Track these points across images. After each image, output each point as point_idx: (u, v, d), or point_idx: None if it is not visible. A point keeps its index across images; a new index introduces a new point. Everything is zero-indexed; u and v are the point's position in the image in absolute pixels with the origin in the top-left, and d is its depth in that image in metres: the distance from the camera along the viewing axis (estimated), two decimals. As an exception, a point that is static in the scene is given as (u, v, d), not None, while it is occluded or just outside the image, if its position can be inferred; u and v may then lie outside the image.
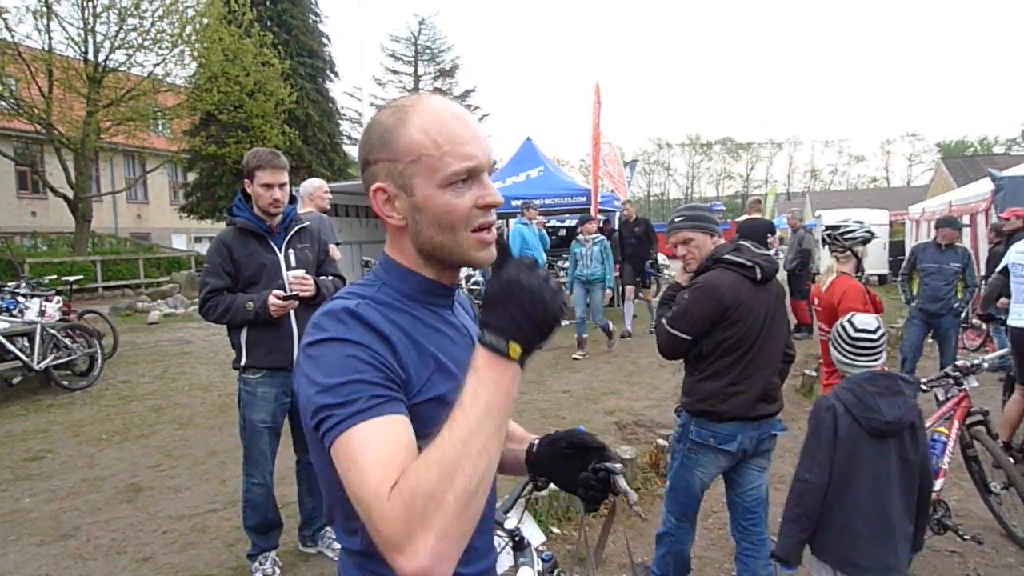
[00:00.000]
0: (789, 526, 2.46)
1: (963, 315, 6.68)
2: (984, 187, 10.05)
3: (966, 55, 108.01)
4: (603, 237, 8.76)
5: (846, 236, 3.80)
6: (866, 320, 2.54)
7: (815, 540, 2.46)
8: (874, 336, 2.49)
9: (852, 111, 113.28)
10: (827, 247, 4.01)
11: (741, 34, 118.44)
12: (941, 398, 3.83)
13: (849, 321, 2.55)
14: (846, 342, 2.53)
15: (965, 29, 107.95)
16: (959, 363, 3.73)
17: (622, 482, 1.21)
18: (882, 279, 17.69)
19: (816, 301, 3.93)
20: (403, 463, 0.87)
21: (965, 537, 3.56)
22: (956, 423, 3.67)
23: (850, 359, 2.51)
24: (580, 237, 8.70)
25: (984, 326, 8.43)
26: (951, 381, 3.70)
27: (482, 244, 1.05)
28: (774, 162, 78.09)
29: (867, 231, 3.77)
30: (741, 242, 2.92)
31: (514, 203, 11.81)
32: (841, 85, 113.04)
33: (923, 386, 3.66)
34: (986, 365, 3.77)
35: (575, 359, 8.38)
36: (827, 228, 4.06)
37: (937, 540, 3.69)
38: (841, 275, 3.74)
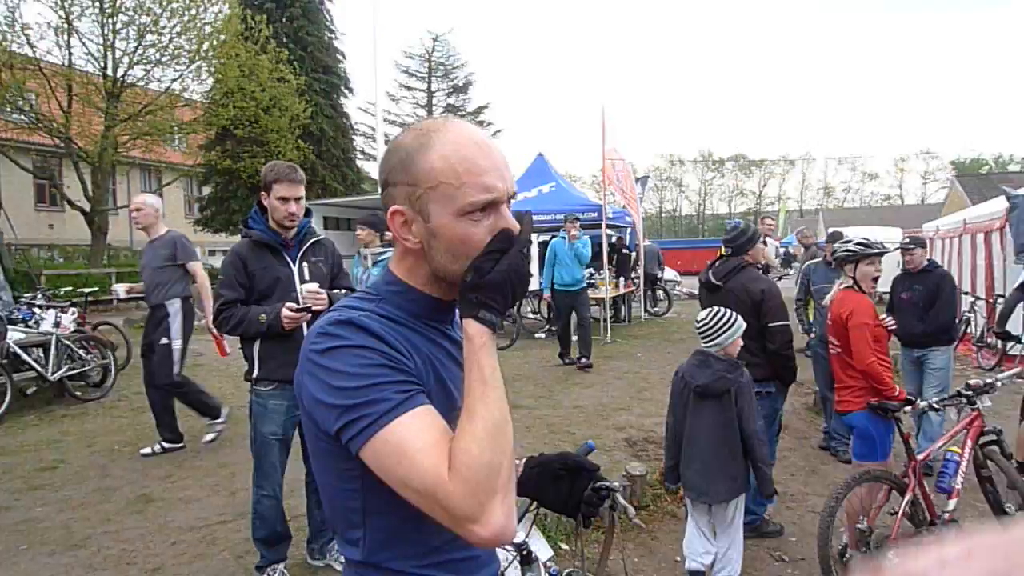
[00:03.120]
0: (664, 453, 3.57)
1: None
2: (999, 205, 9.99)
3: (981, 72, 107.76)
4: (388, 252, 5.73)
5: (834, 255, 3.85)
6: (699, 315, 3.44)
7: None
8: (708, 323, 3.33)
9: (866, 129, 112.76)
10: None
11: (754, 51, 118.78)
12: (954, 417, 3.79)
13: (696, 319, 3.46)
14: (697, 331, 3.41)
15: (980, 46, 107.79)
16: (972, 382, 3.70)
17: (621, 499, 1.39)
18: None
19: (827, 316, 3.92)
20: (446, 446, 0.92)
21: (979, 559, 3.51)
22: (969, 443, 3.63)
23: (706, 343, 3.35)
24: (362, 251, 5.85)
25: (1000, 344, 8.33)
26: (964, 400, 3.66)
27: None
28: (787, 179, 77.62)
29: (847, 250, 3.68)
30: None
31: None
32: (854, 102, 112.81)
33: (935, 405, 3.63)
34: (999, 384, 3.71)
35: None
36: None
37: (951, 561, 3.63)
38: (846, 290, 3.73)
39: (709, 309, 3.43)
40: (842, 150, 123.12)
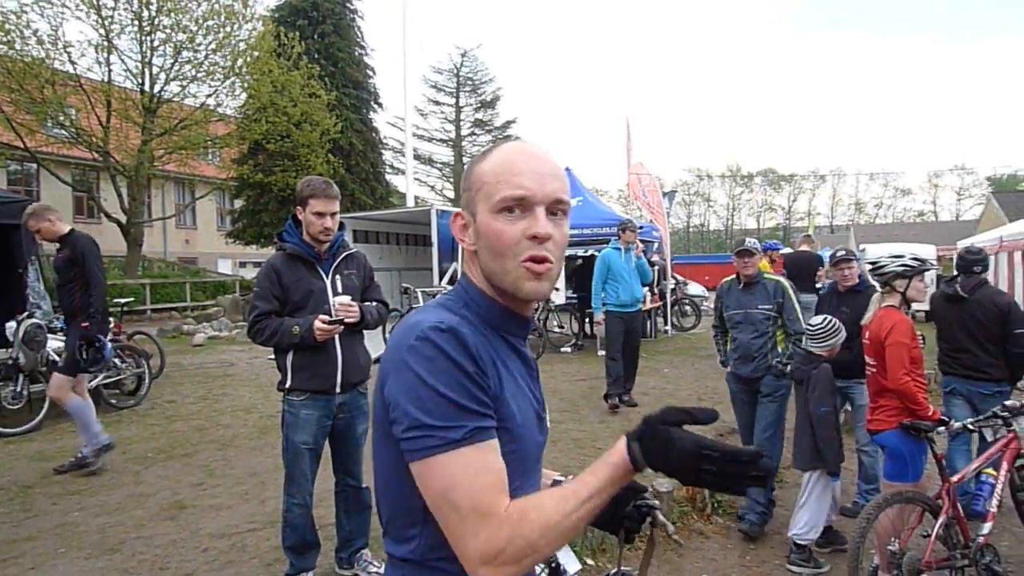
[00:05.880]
0: None
1: (787, 376, 4.43)
2: (1036, 222, 9.79)
3: (1018, 86, 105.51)
4: None
5: (878, 271, 3.70)
6: (814, 319, 4.12)
7: None
8: (823, 327, 4.00)
9: (898, 143, 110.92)
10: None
11: (784, 65, 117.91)
12: (989, 439, 3.72)
13: (809, 322, 4.14)
14: (808, 334, 4.11)
15: (1017, 60, 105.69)
16: (1008, 403, 3.62)
17: (661, 516, 1.39)
18: (928, 315, 17.16)
19: (865, 335, 3.84)
20: (501, 489, 0.99)
21: (1016, 584, 3.44)
22: (1005, 465, 3.55)
23: (813, 344, 4.05)
24: None
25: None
26: (999, 422, 3.60)
27: (531, 275, 1.09)
28: (817, 194, 76.74)
29: (903, 264, 3.58)
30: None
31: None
32: (887, 117, 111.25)
33: (970, 426, 3.57)
34: (1037, 406, 3.63)
35: None
36: (869, 263, 4.00)
37: (986, 586, 3.55)
38: (886, 308, 3.65)
39: (823, 317, 4.10)
40: (874, 165, 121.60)
